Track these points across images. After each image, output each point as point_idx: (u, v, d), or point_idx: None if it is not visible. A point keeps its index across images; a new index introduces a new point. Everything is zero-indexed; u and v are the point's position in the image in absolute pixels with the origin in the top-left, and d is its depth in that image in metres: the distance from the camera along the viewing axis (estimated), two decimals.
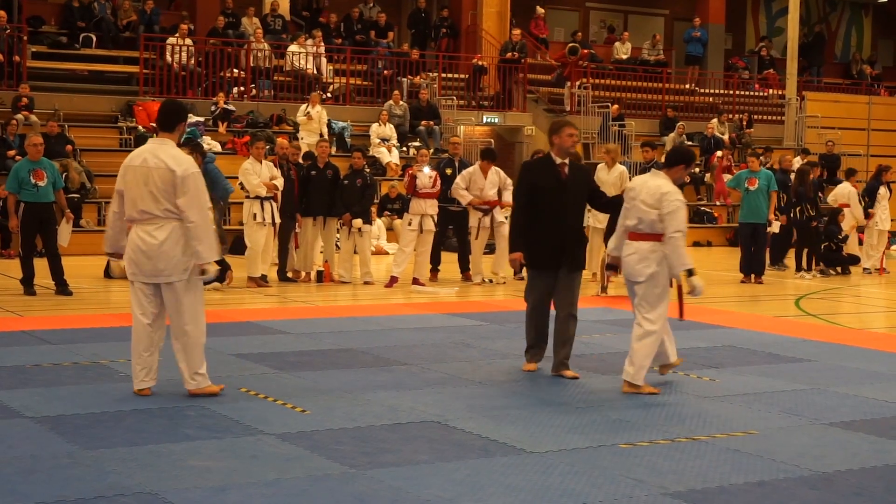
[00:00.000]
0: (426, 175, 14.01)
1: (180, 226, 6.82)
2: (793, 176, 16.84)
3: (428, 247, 14.12)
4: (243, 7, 24.21)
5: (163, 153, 6.86)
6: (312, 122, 20.76)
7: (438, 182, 14.12)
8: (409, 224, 14.01)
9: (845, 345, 9.82)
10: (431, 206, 14.06)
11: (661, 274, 7.44)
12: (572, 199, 8.03)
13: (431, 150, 22.58)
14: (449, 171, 14.57)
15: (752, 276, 15.25)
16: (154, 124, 20.39)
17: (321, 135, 20.14)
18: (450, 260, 15.12)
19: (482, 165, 14.26)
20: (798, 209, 16.21)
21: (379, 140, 21.74)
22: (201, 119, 20.29)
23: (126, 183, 6.93)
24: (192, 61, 22.00)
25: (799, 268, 16.43)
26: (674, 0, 31.97)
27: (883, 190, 17.29)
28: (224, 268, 12.51)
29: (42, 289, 12.43)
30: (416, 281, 13.89)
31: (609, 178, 14.03)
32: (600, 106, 24.61)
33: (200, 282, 6.97)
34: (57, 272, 12.35)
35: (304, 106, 21.05)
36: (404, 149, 21.93)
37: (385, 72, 23.87)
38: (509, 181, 14.12)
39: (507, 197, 14.03)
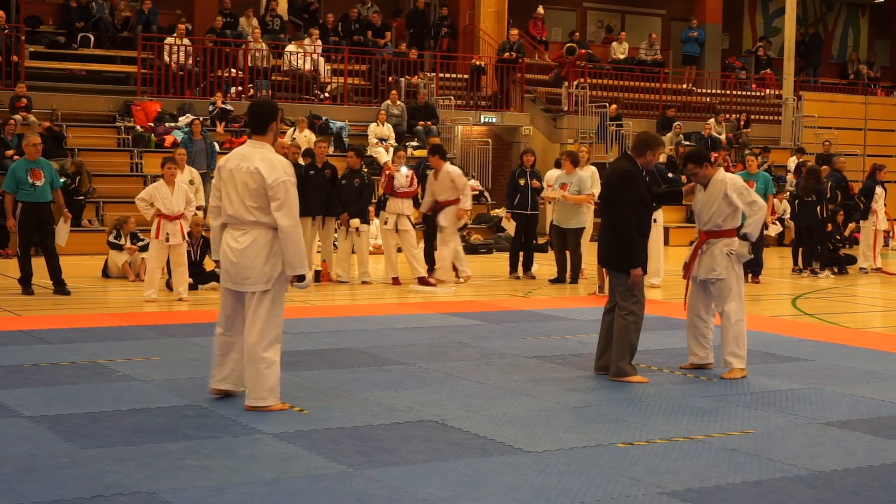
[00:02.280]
0: (403, 175, 14.09)
1: (267, 233, 6.63)
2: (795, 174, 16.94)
3: (414, 245, 14.07)
4: (241, 7, 24.22)
5: (257, 158, 6.65)
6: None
7: (415, 182, 14.20)
8: (385, 223, 14.08)
9: (842, 344, 9.83)
10: (408, 206, 14.13)
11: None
12: None
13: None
14: (430, 172, 14.59)
15: (750, 275, 15.27)
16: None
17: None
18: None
19: (433, 161, 14.16)
20: (818, 208, 16.22)
21: (377, 140, 21.75)
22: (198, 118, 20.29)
23: (222, 185, 6.77)
24: (190, 61, 22.00)
25: (805, 267, 16.53)
26: (671, 0, 32.00)
27: (879, 189, 17.32)
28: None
29: (40, 288, 12.44)
30: (423, 280, 13.85)
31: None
32: (598, 106, 24.62)
33: (281, 295, 6.73)
34: (55, 272, 12.35)
35: (290, 130, 20.60)
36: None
37: (389, 79, 23.86)
38: (465, 184, 14.08)
39: (465, 202, 13.99)
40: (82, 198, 17.51)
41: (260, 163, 6.62)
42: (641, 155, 7.97)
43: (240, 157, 6.73)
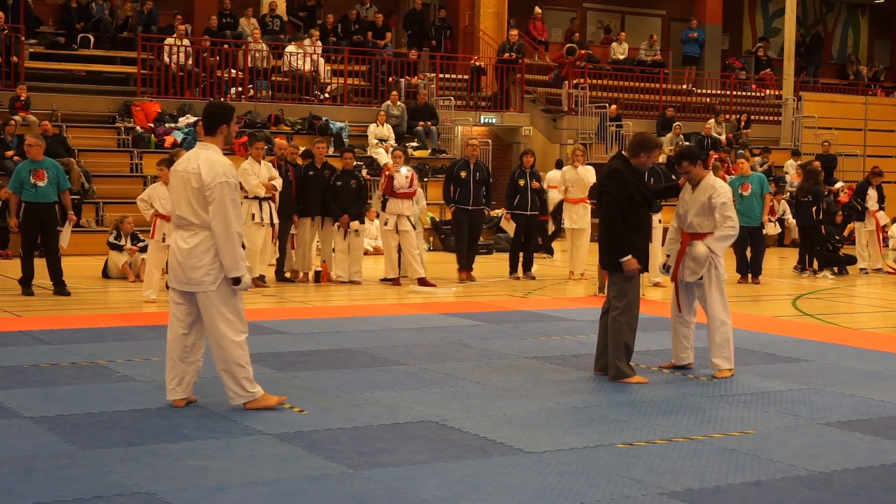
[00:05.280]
0: (403, 175, 14.07)
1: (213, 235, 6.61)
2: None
3: (414, 246, 14.07)
4: (241, 8, 24.23)
5: (201, 158, 6.63)
6: None
7: (415, 182, 14.19)
8: (385, 224, 14.08)
9: (842, 345, 9.83)
10: (408, 207, 14.10)
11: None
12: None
13: (429, 151, 22.65)
14: (463, 174, 14.57)
15: (749, 276, 15.32)
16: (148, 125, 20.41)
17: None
18: (449, 260, 15.12)
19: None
20: (814, 209, 16.23)
21: (376, 140, 21.75)
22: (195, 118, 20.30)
23: (171, 187, 6.81)
24: (190, 61, 22.01)
25: (804, 269, 16.54)
26: (671, 0, 32.01)
27: (871, 191, 17.35)
28: None
29: (40, 289, 12.43)
30: (422, 281, 13.82)
31: (577, 177, 14.77)
32: (597, 106, 24.63)
33: (233, 292, 6.67)
34: (55, 272, 12.35)
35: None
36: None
37: (389, 79, 23.87)
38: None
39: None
40: (76, 197, 17.44)
41: (202, 163, 6.59)
42: (635, 156, 7.91)
43: (187, 158, 6.74)
